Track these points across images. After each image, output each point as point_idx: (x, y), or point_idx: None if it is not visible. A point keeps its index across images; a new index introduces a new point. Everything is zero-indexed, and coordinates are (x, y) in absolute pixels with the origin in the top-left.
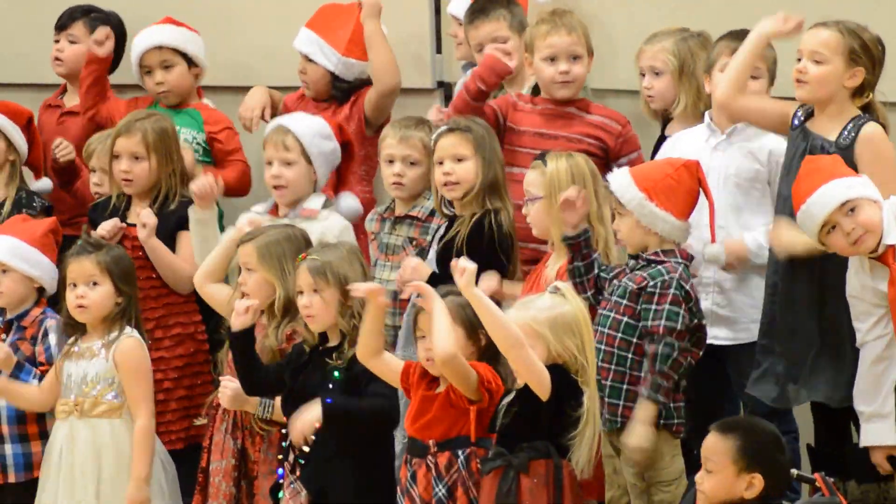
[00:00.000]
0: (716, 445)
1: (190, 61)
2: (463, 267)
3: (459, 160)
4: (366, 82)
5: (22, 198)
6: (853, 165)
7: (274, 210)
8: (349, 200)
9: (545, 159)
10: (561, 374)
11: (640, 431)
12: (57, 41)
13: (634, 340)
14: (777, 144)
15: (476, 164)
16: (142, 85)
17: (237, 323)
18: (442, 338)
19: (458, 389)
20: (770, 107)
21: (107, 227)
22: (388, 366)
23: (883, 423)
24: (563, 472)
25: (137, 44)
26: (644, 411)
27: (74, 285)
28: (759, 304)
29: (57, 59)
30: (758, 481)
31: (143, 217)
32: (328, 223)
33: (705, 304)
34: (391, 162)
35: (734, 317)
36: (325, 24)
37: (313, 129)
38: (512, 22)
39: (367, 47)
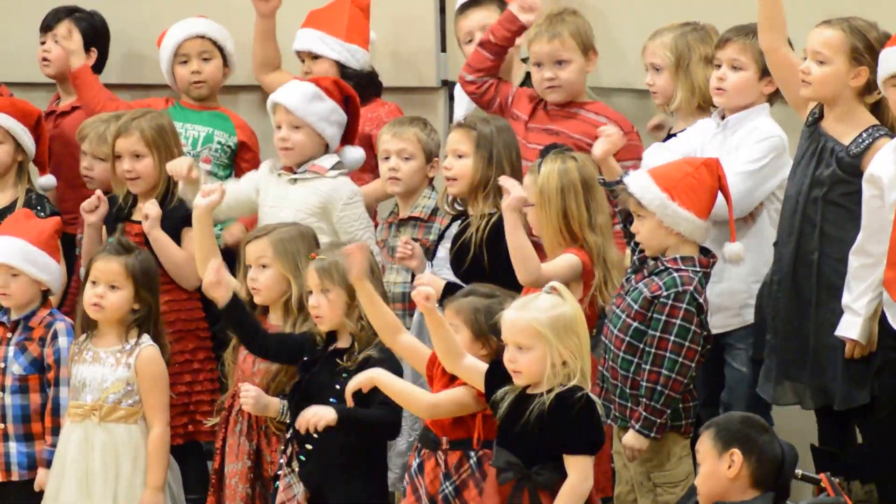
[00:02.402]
0: (700, 442)
1: (224, 60)
2: (426, 292)
3: (460, 156)
4: (371, 73)
5: (32, 199)
6: (861, 173)
7: (288, 167)
8: (353, 152)
9: (540, 164)
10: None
11: (630, 449)
12: (43, 42)
13: (641, 347)
14: (750, 143)
15: (474, 162)
16: (164, 79)
17: (220, 297)
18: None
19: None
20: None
21: (88, 201)
22: (412, 348)
23: (854, 318)
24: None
25: (177, 31)
26: (633, 439)
27: (94, 283)
28: (746, 288)
29: (45, 59)
30: (737, 457)
31: (147, 208)
32: (337, 183)
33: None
34: (387, 158)
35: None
36: (318, 20)
37: (302, 94)
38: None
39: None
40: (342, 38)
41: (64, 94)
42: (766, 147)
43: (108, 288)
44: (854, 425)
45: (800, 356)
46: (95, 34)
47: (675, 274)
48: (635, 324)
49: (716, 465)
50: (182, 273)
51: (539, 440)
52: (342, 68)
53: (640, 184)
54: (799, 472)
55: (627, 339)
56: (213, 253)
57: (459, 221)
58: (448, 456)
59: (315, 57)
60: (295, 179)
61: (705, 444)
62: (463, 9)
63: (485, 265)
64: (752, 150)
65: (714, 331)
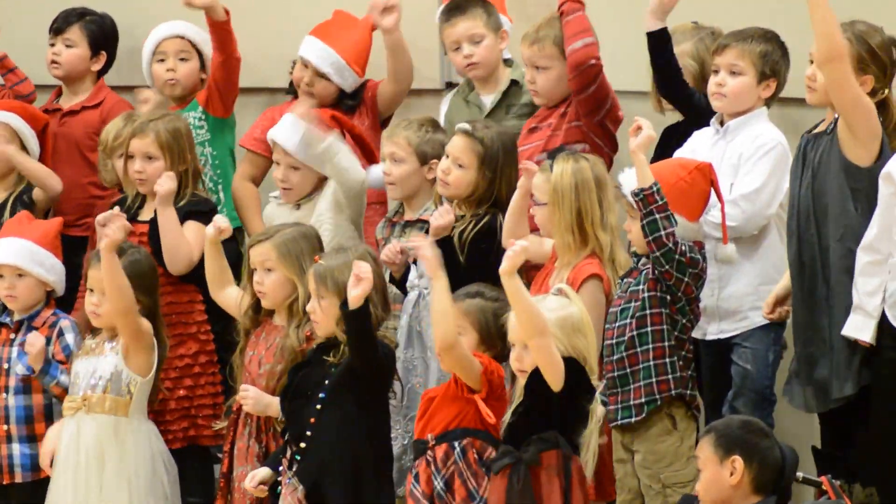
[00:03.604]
0: (700, 447)
1: (202, 64)
2: (511, 254)
3: (460, 165)
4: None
5: (22, 191)
6: (838, 150)
7: None
8: (376, 170)
9: (552, 165)
10: (575, 366)
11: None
12: (53, 44)
13: (649, 312)
14: (748, 147)
15: (473, 177)
16: (146, 76)
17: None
18: (441, 327)
19: (460, 380)
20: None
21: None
22: None
23: (867, 320)
24: (572, 464)
25: (159, 30)
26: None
27: (91, 291)
28: (753, 290)
29: (54, 62)
30: (738, 464)
31: (164, 178)
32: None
33: (710, 300)
34: (383, 161)
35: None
36: (344, 44)
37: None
38: (488, 21)
39: (392, 51)
40: (360, 75)
41: (71, 93)
42: (770, 162)
43: (101, 295)
44: (855, 428)
45: (819, 357)
46: (105, 37)
47: None
48: (647, 294)
49: (717, 472)
50: (176, 255)
51: (527, 413)
52: (342, 92)
53: (632, 186)
54: (800, 474)
55: (644, 313)
56: (226, 277)
57: None
58: (436, 451)
59: (321, 75)
60: (299, 205)
61: (706, 450)
62: (448, 16)
63: (465, 266)
64: (756, 168)
65: (722, 336)
